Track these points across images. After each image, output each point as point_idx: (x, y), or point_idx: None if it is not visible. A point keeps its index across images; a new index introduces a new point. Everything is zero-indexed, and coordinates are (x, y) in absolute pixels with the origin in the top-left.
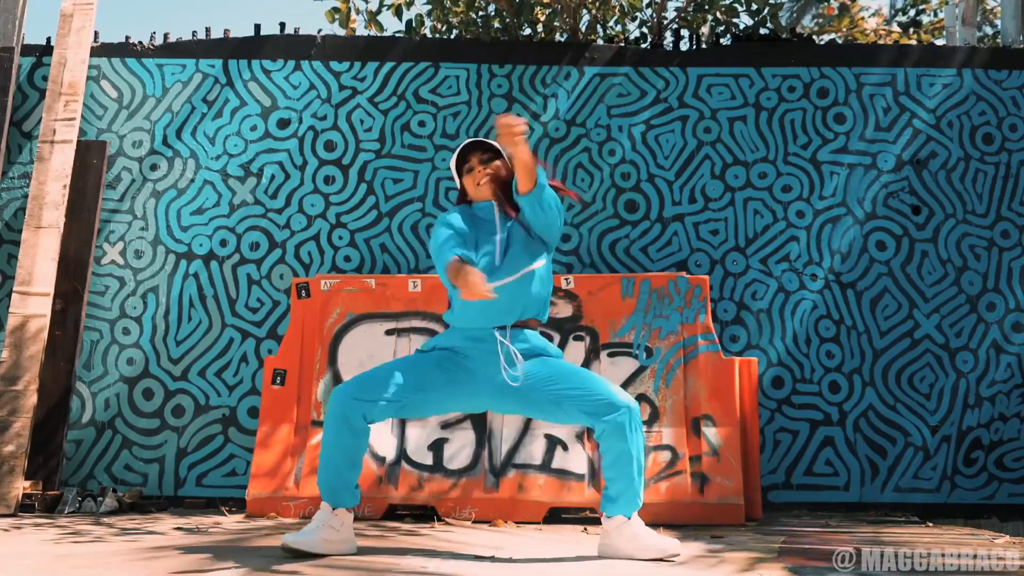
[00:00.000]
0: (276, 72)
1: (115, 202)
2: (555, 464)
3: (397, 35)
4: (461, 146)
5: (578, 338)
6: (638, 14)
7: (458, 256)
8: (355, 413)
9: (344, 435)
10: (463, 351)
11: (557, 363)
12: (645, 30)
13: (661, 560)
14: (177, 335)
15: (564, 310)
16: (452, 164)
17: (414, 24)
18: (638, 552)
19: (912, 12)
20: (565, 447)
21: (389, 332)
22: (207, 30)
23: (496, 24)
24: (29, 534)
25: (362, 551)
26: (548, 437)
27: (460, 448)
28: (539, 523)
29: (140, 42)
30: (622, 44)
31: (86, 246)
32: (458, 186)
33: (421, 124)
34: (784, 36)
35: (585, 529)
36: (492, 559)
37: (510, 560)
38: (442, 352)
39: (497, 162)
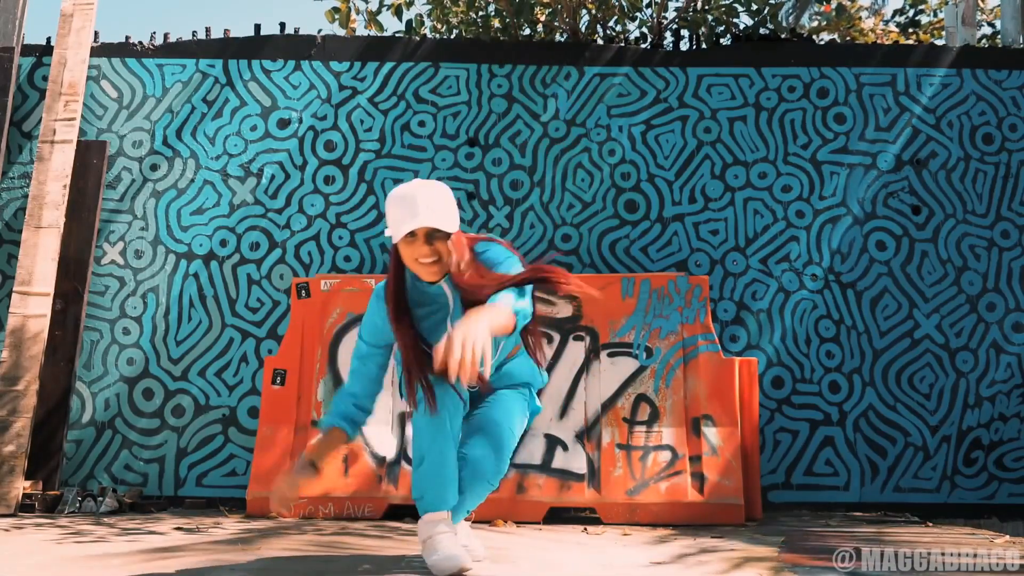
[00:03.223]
0: (276, 72)
1: (115, 202)
2: (555, 464)
3: (397, 35)
4: (400, 208)
5: (578, 338)
6: (638, 14)
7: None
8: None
9: (451, 445)
10: None
11: (491, 409)
12: (645, 30)
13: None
14: (177, 335)
15: (564, 310)
16: (390, 213)
17: (414, 24)
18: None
19: (911, 12)
20: (565, 447)
21: None
22: (207, 30)
23: (496, 24)
24: (29, 534)
25: (362, 551)
26: (548, 437)
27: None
28: (539, 523)
29: (140, 42)
30: (622, 44)
31: (86, 246)
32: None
33: (421, 124)
34: (784, 36)
35: (585, 529)
36: None
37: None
38: None
39: (443, 244)
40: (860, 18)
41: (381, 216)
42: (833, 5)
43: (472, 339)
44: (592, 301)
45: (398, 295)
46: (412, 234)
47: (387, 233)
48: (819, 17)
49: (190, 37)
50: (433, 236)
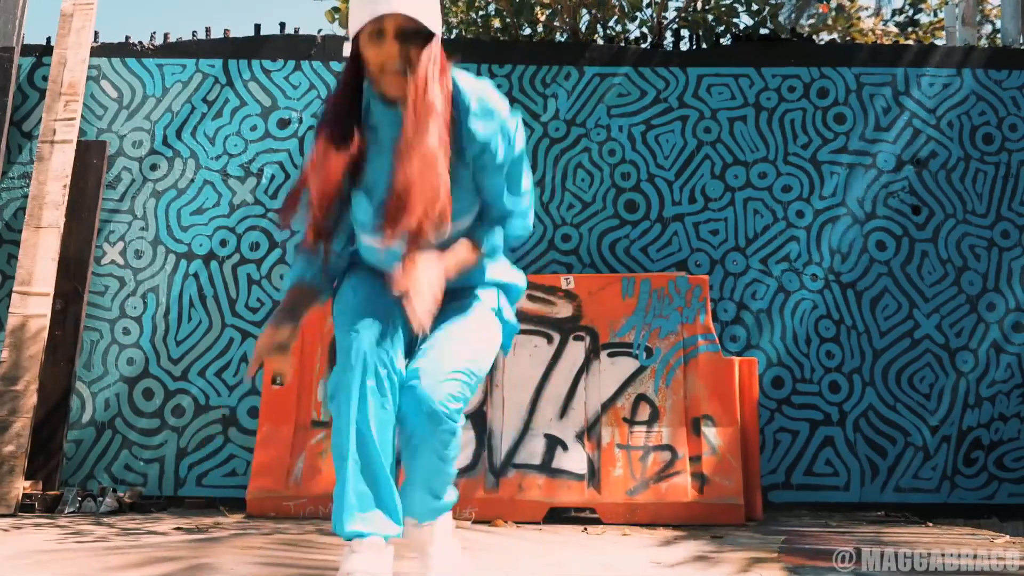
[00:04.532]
0: (276, 72)
1: (115, 202)
2: (555, 464)
3: None
4: None
5: (578, 338)
6: (638, 14)
7: (298, 285)
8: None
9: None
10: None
11: (456, 322)
12: (645, 30)
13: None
14: (177, 335)
15: (564, 310)
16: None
17: None
18: None
19: (910, 12)
20: (565, 447)
21: None
22: (207, 30)
23: (496, 24)
24: (29, 534)
25: None
26: (548, 437)
27: (460, 448)
28: (539, 523)
29: (140, 42)
30: (622, 44)
31: (86, 246)
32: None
33: None
34: (784, 36)
35: (585, 529)
36: None
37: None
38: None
39: (418, 50)
40: (859, 18)
41: None
42: (832, 5)
43: (432, 286)
44: (593, 301)
45: (347, 108)
46: (380, 33)
47: (346, 31)
48: (816, 17)
49: (190, 37)
50: (407, 36)
